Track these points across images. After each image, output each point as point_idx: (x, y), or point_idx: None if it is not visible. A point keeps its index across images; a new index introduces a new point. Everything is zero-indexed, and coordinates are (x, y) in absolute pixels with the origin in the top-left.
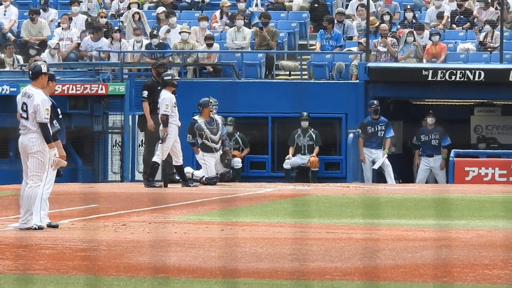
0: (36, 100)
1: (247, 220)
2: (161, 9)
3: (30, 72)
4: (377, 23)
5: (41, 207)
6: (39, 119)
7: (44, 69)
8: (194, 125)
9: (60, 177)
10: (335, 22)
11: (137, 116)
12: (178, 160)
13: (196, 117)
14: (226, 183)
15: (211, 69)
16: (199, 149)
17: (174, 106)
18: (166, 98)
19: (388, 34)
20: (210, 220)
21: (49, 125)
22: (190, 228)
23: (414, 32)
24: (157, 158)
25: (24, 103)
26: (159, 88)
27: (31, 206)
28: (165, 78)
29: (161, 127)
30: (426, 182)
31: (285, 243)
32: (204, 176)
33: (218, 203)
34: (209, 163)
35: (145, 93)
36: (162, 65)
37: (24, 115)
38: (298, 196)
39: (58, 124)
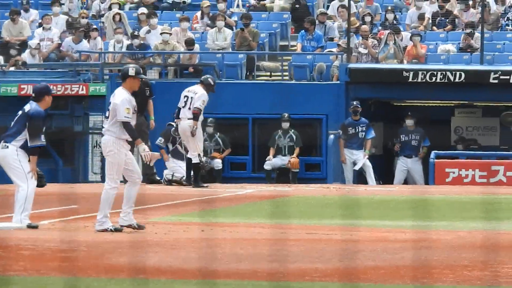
0: (116, 98)
1: (227, 221)
2: (142, 10)
3: (121, 75)
4: (357, 24)
5: (24, 208)
6: (119, 118)
7: (131, 72)
8: (170, 130)
9: (42, 186)
10: (317, 23)
11: None
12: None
13: (172, 123)
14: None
15: (192, 70)
16: (169, 155)
17: None
18: (205, 95)
19: (369, 36)
20: (191, 221)
21: (131, 123)
22: (171, 228)
23: (394, 34)
24: (194, 157)
25: (110, 102)
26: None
27: (105, 207)
28: (209, 79)
29: (191, 121)
30: (405, 184)
31: (265, 244)
32: (184, 176)
33: (199, 204)
34: (181, 167)
35: None
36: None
37: (107, 114)
38: (279, 197)
39: (44, 140)
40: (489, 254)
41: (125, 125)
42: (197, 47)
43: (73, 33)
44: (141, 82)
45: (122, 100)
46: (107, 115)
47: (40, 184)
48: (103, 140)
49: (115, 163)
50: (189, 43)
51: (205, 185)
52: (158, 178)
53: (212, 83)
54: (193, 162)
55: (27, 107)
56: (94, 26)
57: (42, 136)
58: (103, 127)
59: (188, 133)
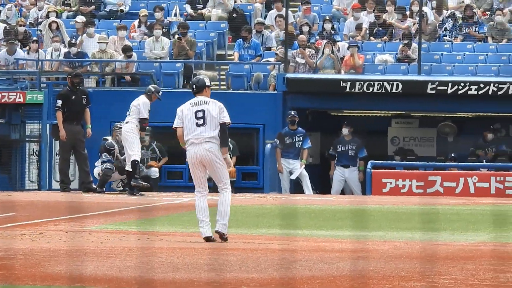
0: (218, 102)
1: (164, 230)
2: (79, 18)
3: (194, 86)
4: (295, 33)
5: None
6: (226, 120)
7: (207, 82)
8: (105, 144)
9: None
10: (254, 32)
11: (52, 125)
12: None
13: (106, 137)
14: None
15: (129, 79)
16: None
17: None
18: (146, 103)
19: (306, 45)
20: (127, 229)
21: None
22: (107, 237)
23: (332, 44)
24: (135, 156)
25: (200, 111)
26: (73, 97)
27: (226, 212)
28: (152, 89)
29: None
30: (342, 194)
31: (202, 253)
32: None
33: (135, 213)
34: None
35: (59, 102)
36: (78, 76)
37: (201, 122)
38: (215, 206)
39: None
40: (426, 264)
41: (226, 127)
42: (134, 55)
43: (6, 45)
44: (79, 90)
45: (221, 104)
46: (200, 122)
47: None
48: (214, 149)
49: (226, 169)
50: (126, 49)
51: (143, 193)
52: (95, 187)
53: (153, 90)
54: (131, 161)
55: None
56: (34, 38)
57: None
58: (198, 135)
59: (126, 135)
